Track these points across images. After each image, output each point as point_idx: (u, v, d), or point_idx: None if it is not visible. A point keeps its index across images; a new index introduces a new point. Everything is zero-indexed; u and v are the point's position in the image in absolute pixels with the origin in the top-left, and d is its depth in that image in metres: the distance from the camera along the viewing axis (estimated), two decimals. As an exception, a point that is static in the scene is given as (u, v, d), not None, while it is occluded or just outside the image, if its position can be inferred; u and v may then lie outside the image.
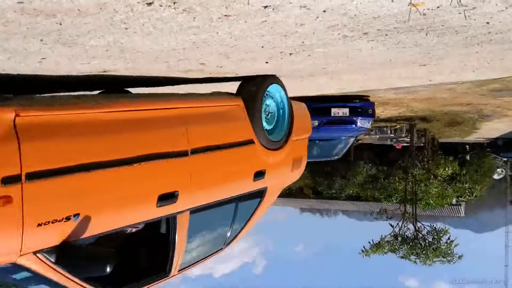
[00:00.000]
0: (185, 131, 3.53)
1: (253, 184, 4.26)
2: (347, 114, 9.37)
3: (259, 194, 4.48)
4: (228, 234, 4.37)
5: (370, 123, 10.13)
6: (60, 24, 2.47)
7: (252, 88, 4.36)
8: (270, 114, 4.62)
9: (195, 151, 3.53)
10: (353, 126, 9.67)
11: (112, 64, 3.68)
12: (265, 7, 2.44)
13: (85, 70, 3.83)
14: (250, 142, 4.15)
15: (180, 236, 3.58)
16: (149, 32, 2.74)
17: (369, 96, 9.52)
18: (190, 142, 3.51)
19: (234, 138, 4.01)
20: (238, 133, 4.09)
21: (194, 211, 3.63)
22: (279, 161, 4.54)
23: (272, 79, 4.53)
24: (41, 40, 2.77)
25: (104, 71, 3.97)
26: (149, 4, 2.29)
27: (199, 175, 3.60)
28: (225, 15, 2.53)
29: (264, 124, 4.38)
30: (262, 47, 3.31)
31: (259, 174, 4.28)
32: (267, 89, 4.45)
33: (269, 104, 4.60)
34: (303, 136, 5.17)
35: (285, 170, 4.82)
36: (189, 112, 3.72)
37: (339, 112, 9.31)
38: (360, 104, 9.40)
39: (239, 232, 4.50)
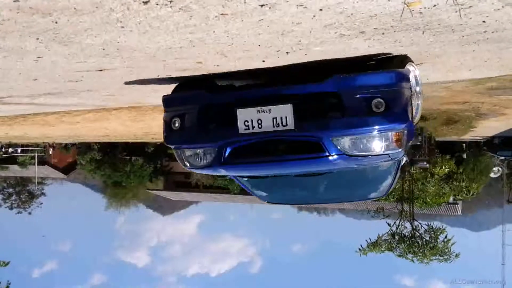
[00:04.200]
0: None
1: None
2: (291, 125, 3.55)
3: None
4: None
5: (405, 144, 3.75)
6: (56, 22, 2.47)
7: None
8: None
9: None
10: (323, 159, 3.59)
11: (109, 63, 3.68)
12: (262, 5, 2.44)
13: (82, 68, 3.82)
14: None
15: None
16: (145, 31, 2.74)
17: (406, 57, 3.97)
18: None
19: None
20: None
21: None
22: None
23: None
24: (37, 38, 2.77)
25: (101, 70, 3.97)
26: (146, 2, 2.28)
27: None
28: (222, 14, 2.53)
29: None
30: (259, 45, 3.31)
31: None
32: None
33: None
34: None
35: None
36: None
37: (261, 120, 3.59)
38: (359, 80, 3.62)
39: None
